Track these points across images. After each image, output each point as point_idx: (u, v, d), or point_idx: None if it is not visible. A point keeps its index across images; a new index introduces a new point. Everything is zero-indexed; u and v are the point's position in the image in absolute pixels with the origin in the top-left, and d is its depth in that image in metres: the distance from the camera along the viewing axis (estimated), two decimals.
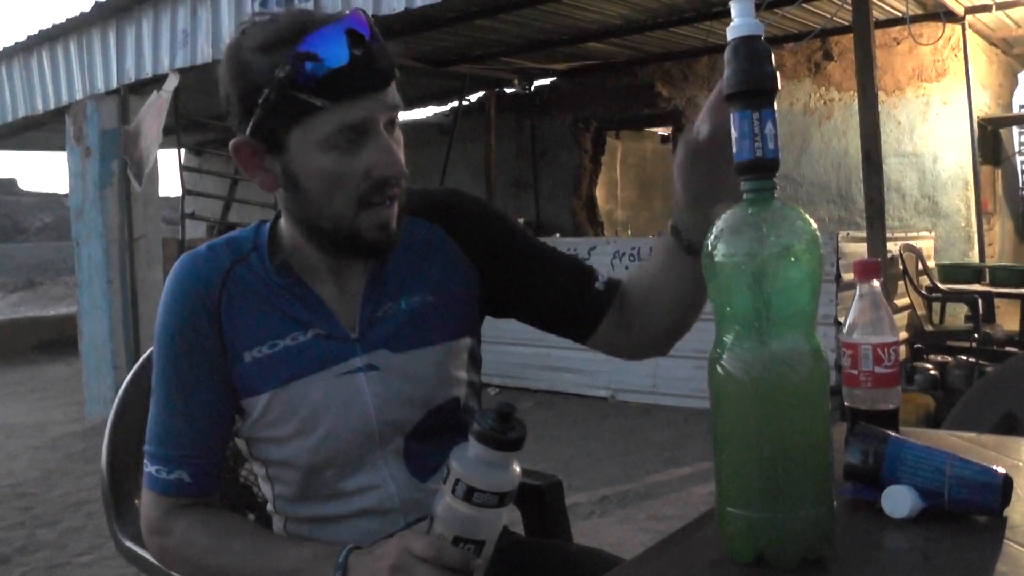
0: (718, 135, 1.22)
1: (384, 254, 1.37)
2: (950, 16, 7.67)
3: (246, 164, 1.34)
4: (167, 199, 11.41)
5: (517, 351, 6.91)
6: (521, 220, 10.74)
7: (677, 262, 1.39)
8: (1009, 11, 7.85)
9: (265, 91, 1.23)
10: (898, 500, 1.12)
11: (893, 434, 1.18)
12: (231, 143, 1.33)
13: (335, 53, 1.21)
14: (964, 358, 6.17)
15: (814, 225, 1.00)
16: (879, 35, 7.68)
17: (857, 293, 1.34)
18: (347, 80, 1.22)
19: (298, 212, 1.34)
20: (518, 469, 1.15)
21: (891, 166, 8.18)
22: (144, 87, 7.42)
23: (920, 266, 7.25)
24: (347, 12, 1.25)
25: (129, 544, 1.64)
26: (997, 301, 7.31)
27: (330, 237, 1.33)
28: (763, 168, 1.01)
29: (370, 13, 1.25)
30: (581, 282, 1.51)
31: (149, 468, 1.37)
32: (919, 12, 7.69)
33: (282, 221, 1.41)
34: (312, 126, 1.25)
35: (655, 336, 1.52)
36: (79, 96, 7.94)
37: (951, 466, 1.12)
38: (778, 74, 1.02)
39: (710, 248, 1.01)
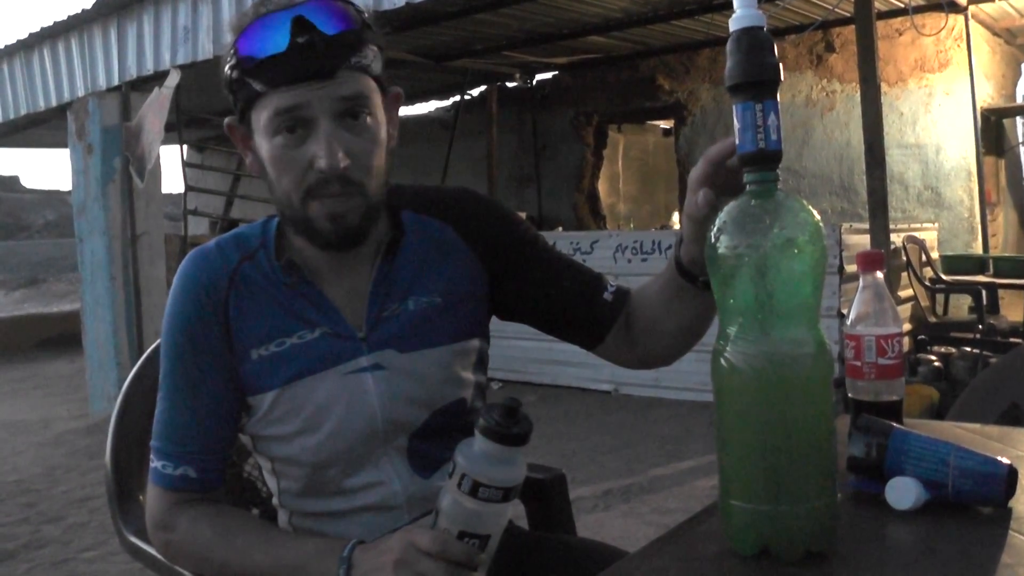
0: (723, 175, 1.18)
1: (342, 246, 1.34)
2: (953, 6, 7.66)
3: (238, 144, 1.38)
4: (169, 195, 11.44)
5: (520, 345, 6.90)
6: (523, 215, 10.75)
7: (680, 293, 1.37)
8: (1012, 1, 7.84)
9: (227, 74, 1.29)
10: (902, 492, 1.12)
11: (896, 426, 1.17)
12: (225, 121, 1.37)
13: (273, 40, 1.22)
14: (968, 349, 6.16)
15: (817, 216, 1.00)
16: (881, 26, 7.67)
17: (860, 285, 1.34)
18: (281, 67, 1.23)
19: (271, 197, 1.35)
20: (524, 464, 1.15)
21: (894, 157, 8.16)
22: (146, 84, 7.42)
23: (923, 257, 7.24)
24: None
25: (133, 539, 1.64)
26: (1001, 292, 7.30)
27: (291, 225, 1.35)
28: (766, 159, 1.01)
29: (371, 8, 1.23)
30: (590, 291, 1.50)
31: (155, 463, 1.37)
32: (921, 3, 7.69)
33: None
34: (259, 110, 1.28)
35: (659, 355, 1.51)
36: (81, 93, 7.94)
37: (955, 457, 1.12)
38: (780, 65, 1.02)
39: (713, 240, 1.01)
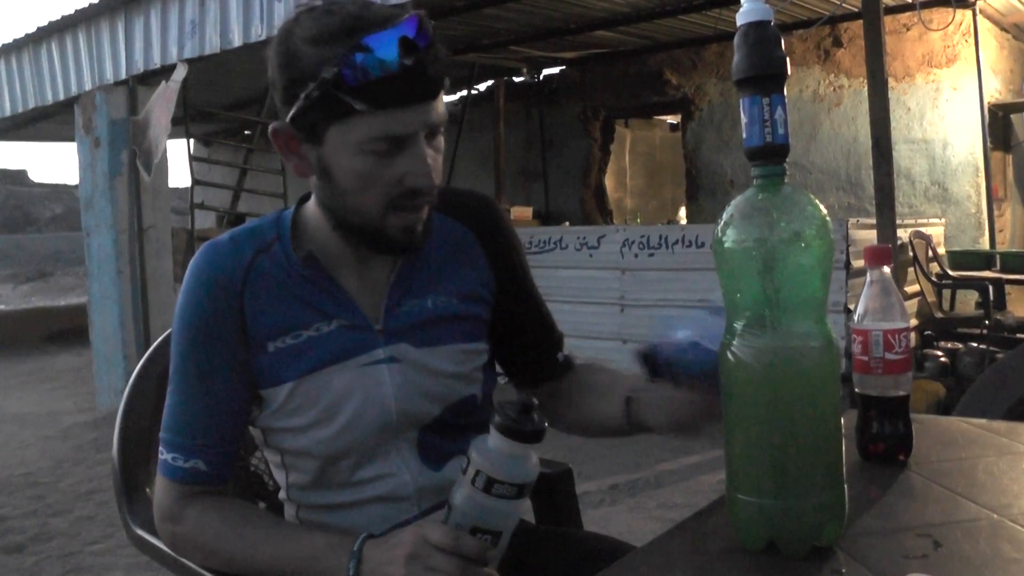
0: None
1: (408, 254, 1.38)
2: (960, 1, 7.63)
3: (282, 148, 1.34)
4: (176, 189, 11.45)
5: None
6: (530, 209, 10.75)
7: (619, 413, 1.49)
8: None
9: (310, 85, 1.22)
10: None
11: None
12: (270, 127, 1.33)
13: (385, 60, 1.19)
14: (975, 345, 6.14)
15: (824, 211, 1.00)
16: (889, 21, 7.65)
17: (867, 279, 1.33)
18: (393, 89, 1.21)
19: (329, 202, 1.34)
20: (537, 461, 1.15)
21: (901, 152, 8.15)
22: (153, 77, 7.42)
23: (930, 253, 7.22)
24: (406, 16, 1.22)
25: (140, 532, 1.64)
26: (1008, 288, 7.28)
27: (356, 231, 1.33)
28: (773, 153, 1.00)
29: (378, 1, 1.23)
30: (548, 345, 1.61)
31: (165, 455, 1.37)
32: None
33: (310, 208, 1.41)
34: (352, 127, 1.24)
35: (579, 428, 1.62)
36: (88, 87, 7.95)
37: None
38: (787, 59, 1.02)
39: (720, 234, 1.01)
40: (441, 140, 1.32)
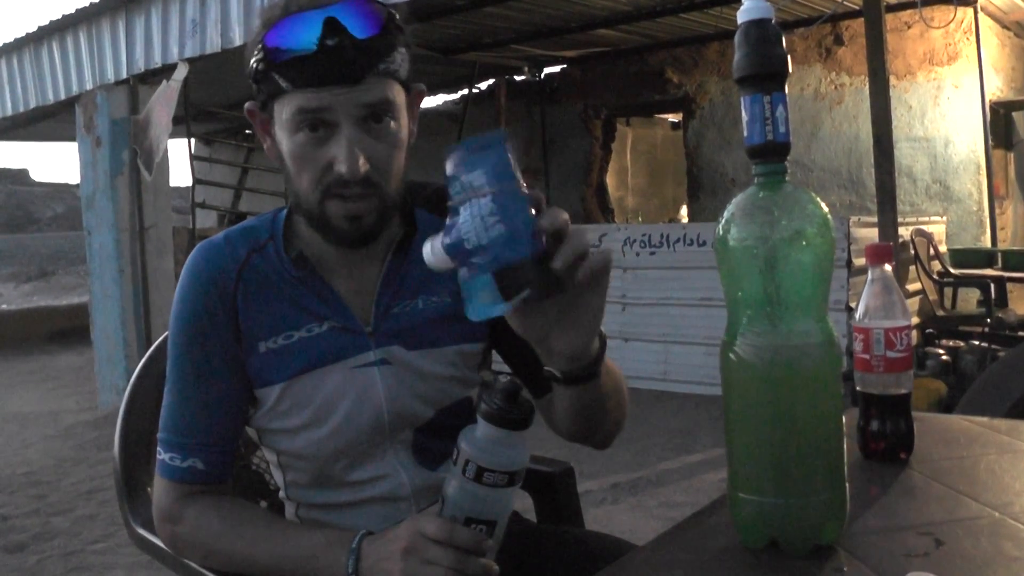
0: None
1: (358, 245, 1.34)
2: None
3: (258, 129, 1.37)
4: (177, 188, 11.46)
5: None
6: None
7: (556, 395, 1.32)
8: None
9: (252, 65, 1.27)
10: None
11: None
12: (246, 107, 1.36)
13: (304, 39, 1.21)
14: (976, 343, 6.14)
15: (825, 209, 1.00)
16: (890, 19, 7.66)
17: (869, 277, 1.33)
18: (308, 68, 1.22)
19: (287, 186, 1.35)
20: (527, 448, 1.15)
21: (902, 151, 8.14)
22: (154, 77, 7.43)
23: (932, 251, 7.22)
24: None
25: (141, 531, 1.64)
26: (1009, 286, 7.28)
27: (307, 217, 1.33)
28: (774, 151, 1.00)
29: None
30: None
31: (162, 455, 1.38)
32: None
33: None
34: (283, 104, 1.26)
35: (582, 441, 1.47)
36: (89, 86, 7.95)
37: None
38: (789, 57, 1.02)
39: (721, 233, 1.00)
40: (390, 125, 1.29)
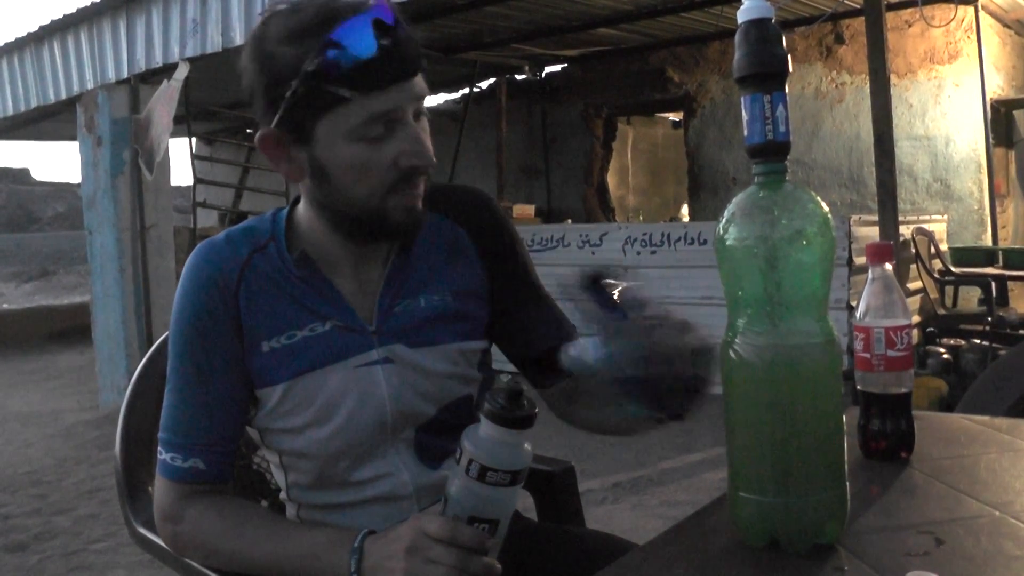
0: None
1: (411, 235, 1.37)
2: None
3: (271, 154, 1.34)
4: (178, 188, 11.46)
5: None
6: (532, 207, 10.75)
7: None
8: None
9: (292, 83, 1.22)
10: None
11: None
12: (257, 136, 1.32)
13: (363, 44, 1.20)
14: (977, 342, 6.14)
15: (826, 208, 1.00)
16: (891, 18, 7.65)
17: (869, 276, 1.33)
18: (375, 71, 1.22)
19: (325, 200, 1.34)
20: (530, 447, 1.15)
21: (903, 149, 8.15)
22: (155, 76, 7.43)
23: (932, 249, 7.22)
24: (372, 1, 1.23)
25: (143, 531, 1.64)
26: (1010, 284, 7.28)
27: (357, 223, 1.33)
28: (774, 151, 1.00)
29: None
30: (554, 338, 1.49)
31: (163, 455, 1.37)
32: None
33: (301, 211, 1.41)
34: (340, 117, 1.24)
35: (592, 430, 1.55)
36: (90, 86, 7.96)
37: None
38: (789, 57, 1.02)
39: (722, 232, 1.01)
40: (425, 121, 1.33)
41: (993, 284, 6.81)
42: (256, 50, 1.27)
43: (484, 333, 1.50)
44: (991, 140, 8.16)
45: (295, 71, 1.22)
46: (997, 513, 1.09)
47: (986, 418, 1.55)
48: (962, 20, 8.11)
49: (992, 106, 8.28)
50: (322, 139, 1.27)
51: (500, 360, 1.57)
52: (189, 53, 6.81)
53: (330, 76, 1.21)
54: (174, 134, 7.28)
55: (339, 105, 1.23)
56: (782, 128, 1.00)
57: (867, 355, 1.31)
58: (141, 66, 7.39)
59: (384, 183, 1.28)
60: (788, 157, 1.02)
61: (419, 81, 1.28)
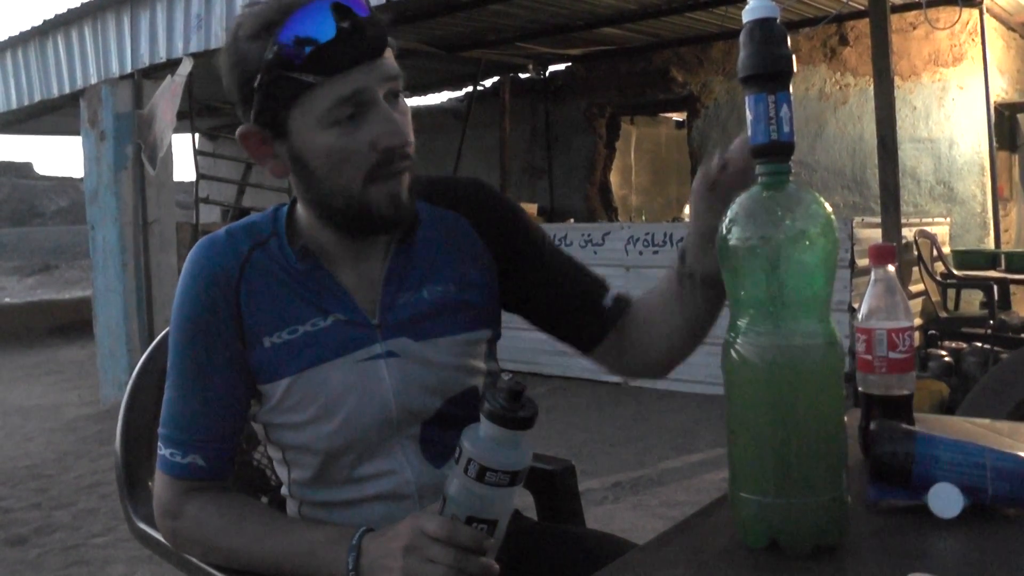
0: (736, 173, 1.24)
1: (398, 228, 1.36)
2: (967, 0, 7.62)
3: (255, 152, 1.34)
4: (181, 183, 11.44)
5: (530, 336, 6.85)
6: (535, 206, 10.75)
7: (677, 289, 1.40)
8: None
9: (259, 76, 1.24)
10: (948, 499, 1.07)
11: (919, 430, 1.13)
12: (237, 132, 1.34)
13: (321, 28, 1.21)
14: (979, 345, 6.14)
15: (829, 209, 1.00)
16: (895, 20, 7.64)
17: (872, 278, 1.33)
18: (337, 53, 1.22)
19: (309, 194, 1.34)
20: (530, 448, 1.14)
21: (906, 151, 8.14)
22: (158, 72, 7.43)
23: (935, 252, 7.22)
24: None
25: (142, 526, 1.64)
26: (1013, 288, 7.28)
27: (343, 215, 1.32)
28: (778, 151, 1.00)
29: None
30: (591, 296, 1.52)
31: (163, 451, 1.37)
32: None
33: (298, 207, 1.41)
34: (309, 104, 1.25)
35: (650, 362, 1.53)
36: (94, 80, 7.96)
37: (990, 459, 1.08)
38: (794, 57, 1.02)
39: (725, 232, 1.00)
40: (404, 103, 1.32)
41: (995, 287, 6.80)
42: (228, 50, 1.29)
43: (489, 322, 1.50)
44: (994, 143, 8.14)
45: (259, 64, 1.24)
46: (997, 515, 1.09)
47: (987, 421, 1.55)
48: (967, 23, 8.10)
49: (996, 109, 8.27)
50: (296, 130, 1.28)
51: (503, 358, 1.56)
52: (193, 48, 6.81)
53: (292, 63, 1.22)
54: (177, 129, 7.28)
55: (306, 92, 1.24)
56: (786, 128, 1.00)
57: (869, 357, 1.31)
58: (145, 61, 7.39)
59: (363, 168, 1.27)
60: (792, 158, 1.02)
61: (387, 61, 1.27)
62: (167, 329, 1.45)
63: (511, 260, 1.50)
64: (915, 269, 7.03)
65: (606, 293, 1.52)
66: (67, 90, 8.42)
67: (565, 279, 1.52)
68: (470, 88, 11.12)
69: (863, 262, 6.05)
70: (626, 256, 7.00)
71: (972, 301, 7.68)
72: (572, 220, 9.98)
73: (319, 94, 1.24)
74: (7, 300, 15.88)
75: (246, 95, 1.27)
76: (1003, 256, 7.54)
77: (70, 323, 12.46)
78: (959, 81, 8.37)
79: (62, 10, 8.36)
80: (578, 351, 1.56)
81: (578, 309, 1.51)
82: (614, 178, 11.87)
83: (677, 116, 13.45)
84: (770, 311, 0.98)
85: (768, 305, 0.98)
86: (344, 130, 1.26)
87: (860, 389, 1.34)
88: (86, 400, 7.87)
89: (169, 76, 7.08)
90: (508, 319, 1.56)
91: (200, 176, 8.88)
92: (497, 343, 1.55)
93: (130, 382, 1.77)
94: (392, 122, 1.27)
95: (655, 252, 6.96)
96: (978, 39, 8.10)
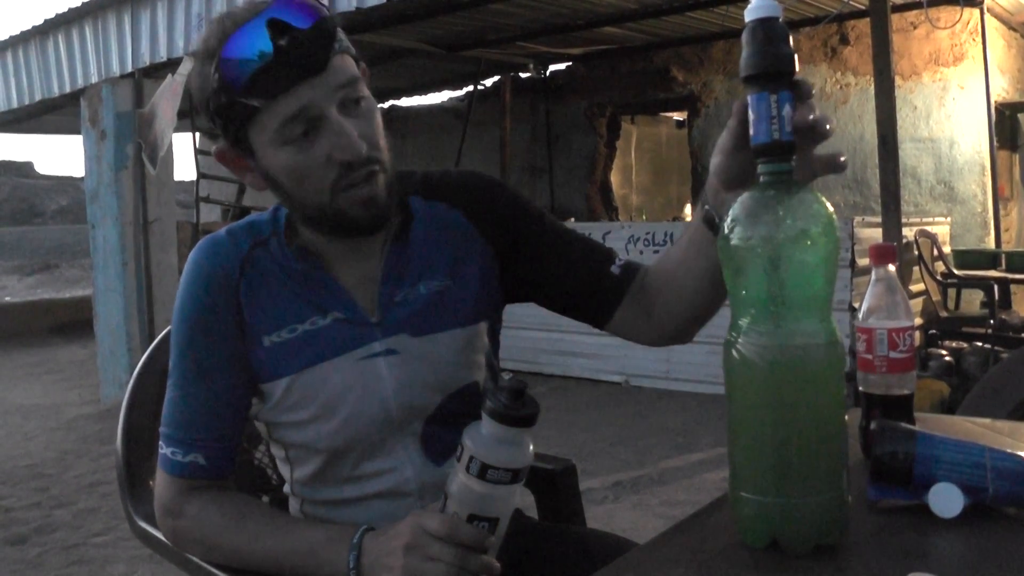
0: None
1: (376, 230, 1.34)
2: (968, 0, 7.61)
3: (233, 168, 1.35)
4: (182, 183, 11.45)
5: (530, 336, 6.92)
6: None
7: (704, 243, 1.33)
8: None
9: (210, 100, 1.24)
10: (948, 499, 1.08)
11: (919, 430, 1.13)
12: (213, 151, 1.34)
13: (256, 48, 1.19)
14: (979, 344, 6.14)
15: (830, 208, 1.00)
16: (896, 19, 7.63)
17: (872, 278, 1.33)
18: (274, 75, 1.20)
19: (286, 204, 1.35)
20: (531, 446, 1.14)
21: (907, 151, 8.14)
22: (159, 71, 7.43)
23: (935, 252, 7.22)
24: (273, 1, 1.22)
25: (143, 525, 1.64)
26: (1013, 287, 7.28)
27: (320, 222, 1.32)
28: (780, 150, 1.00)
29: None
30: (598, 266, 1.49)
31: (164, 450, 1.38)
32: None
33: None
34: (259, 126, 1.24)
35: (676, 323, 1.47)
36: (94, 79, 7.96)
37: (991, 459, 1.08)
38: (796, 56, 1.02)
39: (726, 231, 1.00)
40: (366, 105, 1.29)
41: (996, 287, 6.81)
42: (191, 72, 1.29)
43: (486, 314, 1.49)
44: (995, 143, 8.14)
45: (209, 89, 1.24)
46: (998, 515, 1.09)
47: (987, 421, 1.55)
48: (967, 22, 8.09)
49: (996, 109, 8.27)
50: (258, 149, 1.28)
51: (503, 357, 1.56)
52: (193, 48, 6.80)
53: (235, 89, 1.21)
54: (178, 129, 7.27)
55: (254, 115, 1.23)
56: (788, 128, 1.00)
57: (869, 356, 1.31)
58: (145, 60, 7.40)
59: (325, 181, 1.26)
60: (793, 157, 1.02)
61: (337, 69, 1.25)
62: (168, 328, 1.45)
63: (511, 244, 1.49)
64: (916, 269, 7.03)
65: (614, 261, 1.50)
66: (68, 89, 8.42)
67: (570, 251, 1.50)
68: (471, 87, 11.13)
69: (864, 261, 6.05)
70: (627, 255, 6.98)
71: (972, 301, 7.67)
72: (573, 219, 9.97)
73: (266, 116, 1.23)
74: (8, 299, 15.88)
75: (210, 116, 1.27)
76: (1004, 256, 7.54)
77: (71, 322, 12.46)
78: (960, 81, 8.36)
79: (63, 9, 8.37)
80: (596, 324, 1.52)
81: (587, 280, 1.48)
82: (615, 177, 11.87)
83: (678, 115, 13.45)
84: (771, 311, 0.98)
85: (769, 305, 0.98)
86: (299, 147, 1.25)
87: (860, 389, 1.34)
88: (87, 399, 7.87)
89: (170, 75, 7.08)
90: (508, 319, 1.56)
91: (201, 175, 8.87)
92: (499, 339, 1.55)
93: (131, 381, 1.77)
94: (345, 135, 1.24)
95: (655, 251, 6.96)
96: (979, 39, 8.10)
